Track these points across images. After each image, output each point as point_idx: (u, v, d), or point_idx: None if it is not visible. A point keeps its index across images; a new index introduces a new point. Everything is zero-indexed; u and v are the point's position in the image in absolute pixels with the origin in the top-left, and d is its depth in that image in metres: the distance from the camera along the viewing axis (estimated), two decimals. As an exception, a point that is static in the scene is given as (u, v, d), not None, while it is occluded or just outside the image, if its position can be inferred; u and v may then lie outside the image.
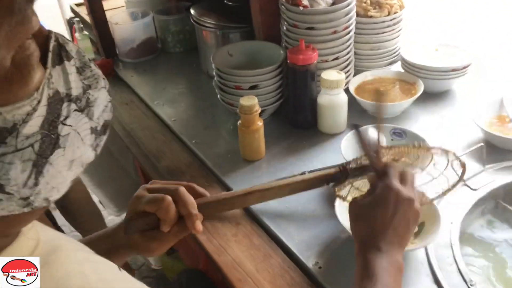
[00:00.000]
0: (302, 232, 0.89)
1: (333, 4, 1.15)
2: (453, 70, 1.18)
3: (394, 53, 1.31)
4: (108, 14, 1.63)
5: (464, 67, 1.19)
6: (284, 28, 1.16)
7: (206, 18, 1.35)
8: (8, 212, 0.33)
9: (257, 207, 0.94)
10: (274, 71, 1.13)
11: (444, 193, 0.83)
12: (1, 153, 0.30)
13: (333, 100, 1.10)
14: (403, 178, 0.71)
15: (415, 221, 0.69)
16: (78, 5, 2.02)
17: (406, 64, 1.24)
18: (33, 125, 0.32)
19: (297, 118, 1.17)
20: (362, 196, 0.74)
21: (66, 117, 0.34)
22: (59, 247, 0.40)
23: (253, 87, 1.13)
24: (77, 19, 1.79)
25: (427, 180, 0.86)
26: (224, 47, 1.25)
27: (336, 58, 1.16)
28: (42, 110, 0.32)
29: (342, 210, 0.87)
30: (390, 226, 0.66)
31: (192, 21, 1.39)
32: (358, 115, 1.18)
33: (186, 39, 1.61)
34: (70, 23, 1.99)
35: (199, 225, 0.74)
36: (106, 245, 0.73)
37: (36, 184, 0.33)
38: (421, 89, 1.16)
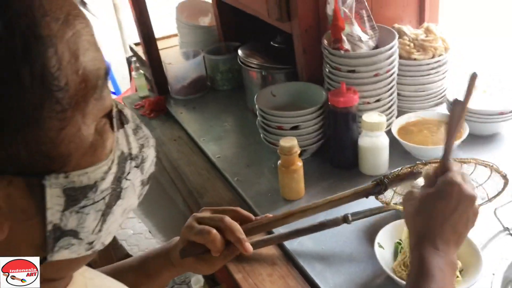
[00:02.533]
0: (338, 276, 0.89)
1: (375, 47, 1.17)
2: (501, 113, 1.16)
3: (440, 94, 1.30)
4: (162, 54, 1.72)
5: (512, 111, 1.16)
6: (327, 70, 1.19)
7: (252, 59, 1.40)
8: (76, 255, 0.37)
9: (293, 247, 0.95)
10: (315, 112, 1.15)
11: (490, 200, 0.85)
12: (83, 205, 0.35)
13: (374, 142, 1.10)
14: (464, 177, 0.69)
15: (473, 221, 0.68)
16: (137, 44, 2.14)
17: (451, 106, 1.22)
18: (108, 181, 0.36)
19: (338, 159, 1.18)
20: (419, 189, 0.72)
21: (128, 173, 0.39)
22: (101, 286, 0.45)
23: (294, 128, 1.15)
24: (135, 58, 1.91)
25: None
26: (268, 88, 1.29)
27: (378, 100, 1.17)
28: (114, 168, 0.37)
29: (381, 252, 0.87)
30: (449, 222, 0.64)
31: (239, 62, 1.45)
32: (401, 156, 1.17)
33: (234, 77, 1.67)
34: (128, 61, 2.11)
35: (248, 246, 0.82)
36: (162, 261, 0.82)
37: (100, 230, 0.38)
38: (466, 132, 1.14)
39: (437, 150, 1.13)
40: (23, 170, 0.31)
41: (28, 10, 0.29)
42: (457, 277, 0.82)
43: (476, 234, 0.89)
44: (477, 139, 1.20)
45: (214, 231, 0.79)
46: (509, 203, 0.97)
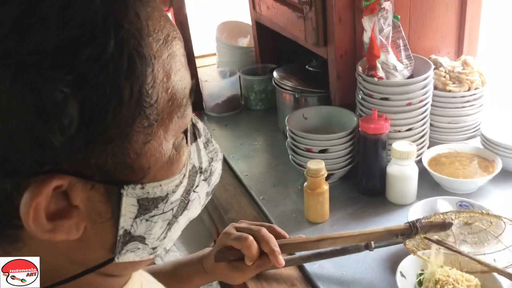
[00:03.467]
0: (356, 303, 0.88)
1: (410, 77, 1.17)
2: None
3: (474, 128, 1.28)
4: (199, 71, 1.77)
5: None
6: (359, 96, 1.20)
7: (286, 81, 1.42)
8: (140, 258, 0.40)
9: (313, 270, 0.95)
10: (345, 137, 1.16)
11: None
12: (153, 215, 0.37)
13: (403, 171, 1.09)
14: None
15: None
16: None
17: (485, 140, 1.21)
18: (178, 193, 0.39)
19: (366, 185, 1.17)
20: None
21: (197, 186, 0.42)
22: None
23: (323, 151, 1.16)
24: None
25: (500, 248, 0.83)
26: (300, 110, 1.30)
27: (410, 129, 1.16)
28: (185, 182, 0.39)
29: (403, 282, 0.85)
30: None
31: (274, 83, 1.47)
32: (429, 187, 1.16)
33: (267, 98, 1.70)
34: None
35: (281, 260, 0.83)
36: (195, 267, 0.85)
37: (164, 237, 0.40)
38: (499, 167, 1.12)
39: (468, 184, 1.11)
40: (106, 178, 0.33)
41: (136, 31, 0.31)
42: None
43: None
44: (510, 175, 1.17)
45: (251, 238, 0.82)
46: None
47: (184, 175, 0.39)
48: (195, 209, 0.43)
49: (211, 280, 0.88)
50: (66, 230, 0.33)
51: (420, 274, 0.88)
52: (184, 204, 0.40)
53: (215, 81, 1.73)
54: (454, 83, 1.22)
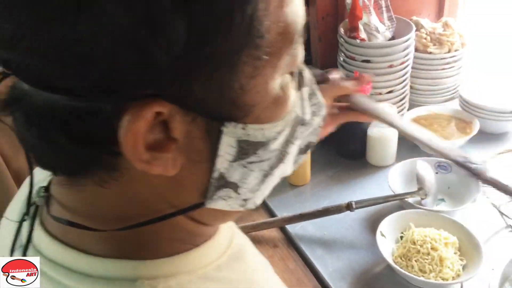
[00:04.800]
0: (337, 262, 0.90)
1: (391, 38, 1.17)
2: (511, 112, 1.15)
3: (452, 90, 1.29)
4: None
5: (524, 110, 1.15)
6: (341, 59, 1.19)
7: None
8: (230, 208, 0.37)
9: (295, 231, 0.97)
10: (326, 100, 1.15)
11: None
12: (250, 161, 0.34)
13: (383, 133, 1.10)
14: None
15: None
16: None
17: (463, 102, 1.22)
18: (278, 142, 0.35)
19: (346, 148, 1.18)
20: None
21: (296, 138, 0.38)
22: (244, 244, 0.45)
23: (304, 114, 1.15)
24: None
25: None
26: (281, 73, 1.29)
27: (391, 92, 1.17)
28: (287, 130, 0.36)
29: (382, 241, 0.87)
30: None
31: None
32: (408, 149, 1.17)
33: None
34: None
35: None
36: None
37: (257, 190, 0.38)
38: (476, 128, 1.14)
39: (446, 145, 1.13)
40: (208, 111, 0.30)
41: None
42: (459, 270, 0.83)
43: (478, 229, 0.90)
44: (488, 136, 1.19)
45: None
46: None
47: (287, 123, 0.35)
48: (288, 165, 0.39)
49: None
50: (163, 164, 0.30)
51: (401, 238, 0.91)
52: (281, 155, 0.37)
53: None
54: (435, 45, 1.22)
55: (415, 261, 0.85)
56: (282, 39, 0.31)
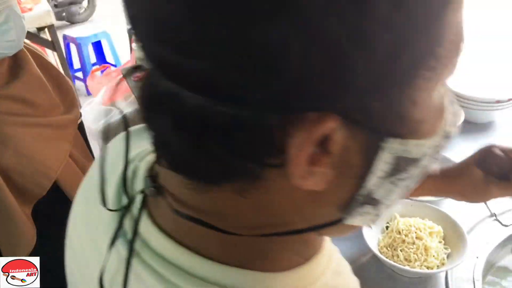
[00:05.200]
0: (324, 252, 0.90)
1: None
2: (497, 101, 1.16)
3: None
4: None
5: (509, 99, 1.16)
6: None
7: None
8: (361, 224, 0.35)
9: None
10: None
11: None
12: (399, 178, 0.32)
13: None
14: None
15: None
16: (138, 15, 2.12)
17: (448, 92, 1.23)
18: (428, 157, 0.32)
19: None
20: None
21: (438, 153, 0.35)
22: (340, 258, 0.42)
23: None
24: (135, 29, 1.89)
25: None
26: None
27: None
28: (438, 144, 0.33)
29: (367, 231, 0.88)
30: None
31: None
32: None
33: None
34: (129, 33, 2.10)
35: None
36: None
37: (390, 206, 0.35)
38: (461, 118, 1.15)
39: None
40: (373, 127, 0.28)
41: None
42: (443, 259, 0.84)
43: (463, 218, 0.90)
44: (472, 126, 1.20)
45: None
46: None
47: (441, 136, 0.32)
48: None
49: (441, 191, 0.76)
50: (316, 179, 0.28)
51: (387, 227, 0.91)
52: (423, 171, 0.34)
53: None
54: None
55: (401, 250, 0.85)
56: (453, 47, 0.29)
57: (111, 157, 0.43)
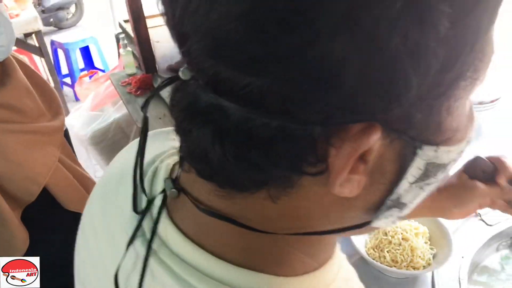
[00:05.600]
0: (312, 255, 0.91)
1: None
2: (480, 103, 1.18)
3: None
4: (151, 32, 1.71)
5: (492, 101, 1.18)
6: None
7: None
8: (384, 226, 0.36)
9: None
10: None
11: None
12: (428, 183, 0.32)
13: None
14: None
15: None
16: (126, 21, 2.12)
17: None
18: (453, 163, 0.33)
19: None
20: None
21: (460, 157, 0.36)
22: (348, 265, 0.43)
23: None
24: (123, 35, 1.90)
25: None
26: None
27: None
28: (464, 150, 0.33)
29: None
30: None
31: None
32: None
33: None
34: (117, 38, 2.09)
35: None
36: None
37: (411, 209, 0.35)
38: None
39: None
40: (411, 135, 0.28)
41: None
42: (429, 259, 0.85)
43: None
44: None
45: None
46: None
47: (468, 143, 0.33)
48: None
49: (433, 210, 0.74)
50: (351, 186, 0.29)
51: (373, 227, 0.92)
52: (446, 176, 0.36)
53: (168, 42, 1.68)
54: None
55: (387, 251, 0.86)
56: (488, 59, 0.29)
57: (127, 160, 0.43)
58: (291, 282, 0.34)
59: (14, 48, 1.12)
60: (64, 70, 3.85)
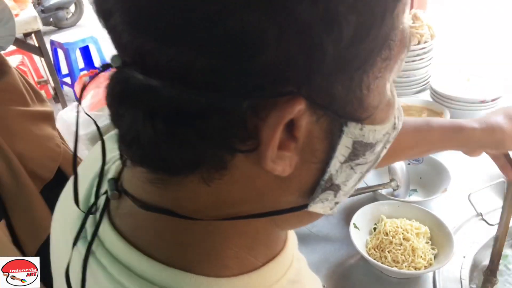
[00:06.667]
0: (313, 255, 0.91)
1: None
2: (482, 101, 1.17)
3: (424, 81, 1.31)
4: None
5: (493, 100, 1.17)
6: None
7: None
8: (322, 211, 0.36)
9: (271, 226, 0.97)
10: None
11: None
12: (357, 163, 0.34)
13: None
14: None
15: None
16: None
17: (434, 93, 1.24)
18: (381, 145, 0.35)
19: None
20: None
21: (389, 142, 0.37)
22: (299, 259, 0.43)
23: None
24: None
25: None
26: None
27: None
28: (390, 132, 0.35)
29: (355, 233, 0.88)
30: None
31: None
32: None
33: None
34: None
35: None
36: (458, 140, 0.74)
37: (346, 194, 0.37)
38: (447, 119, 1.16)
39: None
40: (336, 111, 0.30)
41: None
42: (431, 259, 0.85)
43: (449, 218, 0.91)
44: (458, 126, 1.21)
45: None
46: (483, 189, 0.99)
47: (391, 125, 0.35)
48: (369, 173, 0.38)
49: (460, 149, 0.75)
50: (283, 164, 0.30)
51: (374, 229, 0.92)
52: (376, 158, 0.36)
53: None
54: (404, 37, 1.23)
55: (388, 251, 0.86)
56: (400, 43, 0.31)
57: (89, 159, 0.45)
58: (222, 284, 0.33)
59: (14, 48, 1.17)
60: (64, 70, 3.85)
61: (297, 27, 0.25)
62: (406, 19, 0.32)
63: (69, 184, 0.45)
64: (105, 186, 0.39)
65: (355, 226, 0.90)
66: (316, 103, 0.29)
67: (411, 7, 1.34)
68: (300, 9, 0.24)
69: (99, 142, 0.45)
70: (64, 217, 0.42)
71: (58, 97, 3.33)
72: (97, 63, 3.89)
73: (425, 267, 0.84)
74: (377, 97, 0.32)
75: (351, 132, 0.31)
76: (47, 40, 3.20)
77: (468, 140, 0.72)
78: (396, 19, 0.29)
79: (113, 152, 0.42)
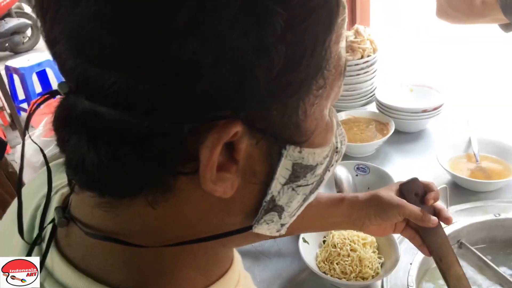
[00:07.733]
0: (265, 272, 0.92)
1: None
2: (424, 111, 1.22)
3: (370, 94, 1.35)
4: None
5: (435, 108, 1.22)
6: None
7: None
8: (268, 233, 0.37)
9: (223, 246, 0.97)
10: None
11: None
12: (299, 184, 0.35)
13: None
14: None
15: None
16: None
17: (380, 105, 1.28)
18: (322, 167, 0.36)
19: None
20: None
21: (332, 165, 0.39)
22: (246, 276, 0.45)
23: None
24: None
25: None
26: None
27: (309, 100, 1.20)
28: (329, 156, 0.37)
29: (305, 247, 0.90)
30: None
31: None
32: (331, 154, 1.21)
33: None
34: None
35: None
36: (339, 205, 0.76)
37: (293, 215, 0.38)
38: (392, 129, 1.19)
39: (364, 147, 1.18)
40: (274, 135, 0.31)
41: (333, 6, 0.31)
42: (378, 268, 0.87)
43: (395, 227, 0.94)
44: (405, 135, 1.26)
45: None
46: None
47: (331, 148, 0.37)
48: (318, 192, 0.40)
49: (349, 224, 0.76)
50: (225, 186, 0.31)
51: (324, 242, 0.94)
52: (319, 181, 0.38)
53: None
54: (347, 52, 1.27)
55: (337, 263, 0.88)
56: (336, 72, 0.33)
57: (30, 190, 0.44)
58: None
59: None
60: (21, 95, 3.77)
61: (231, 55, 0.27)
62: (342, 48, 0.34)
63: (7, 216, 0.44)
64: (50, 215, 0.39)
65: (305, 241, 0.92)
66: (254, 127, 0.30)
67: (354, 23, 1.39)
68: (233, 38, 0.26)
69: (41, 171, 0.45)
70: (4, 251, 0.42)
71: (15, 124, 3.26)
72: (55, 87, 3.83)
73: (373, 277, 0.86)
74: (314, 122, 0.34)
75: (290, 155, 0.33)
76: (1, 66, 3.13)
77: (351, 208, 0.74)
78: (328, 49, 0.31)
79: (57, 181, 0.42)
